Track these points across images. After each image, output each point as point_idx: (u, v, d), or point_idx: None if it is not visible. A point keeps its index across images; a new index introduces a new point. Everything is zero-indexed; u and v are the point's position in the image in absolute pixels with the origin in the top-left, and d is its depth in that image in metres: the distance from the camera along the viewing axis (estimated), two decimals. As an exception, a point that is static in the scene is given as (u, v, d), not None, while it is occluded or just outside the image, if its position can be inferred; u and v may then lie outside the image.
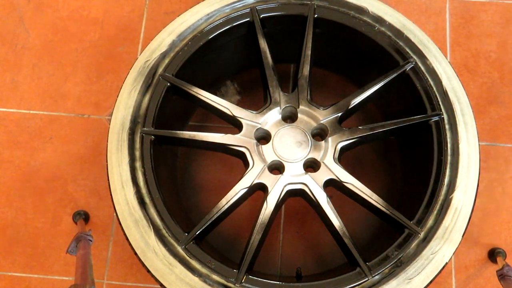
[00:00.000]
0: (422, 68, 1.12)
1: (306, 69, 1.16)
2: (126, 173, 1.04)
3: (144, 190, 1.03)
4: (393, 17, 1.15)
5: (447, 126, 1.07)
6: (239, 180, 1.09)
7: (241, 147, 1.13)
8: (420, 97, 1.10)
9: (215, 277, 0.98)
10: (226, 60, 1.35)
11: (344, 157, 1.18)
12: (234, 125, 1.17)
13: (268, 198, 1.08)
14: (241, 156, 1.14)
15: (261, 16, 1.16)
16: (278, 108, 1.16)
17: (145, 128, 1.08)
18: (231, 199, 1.07)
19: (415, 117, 1.10)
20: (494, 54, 1.52)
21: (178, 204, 1.34)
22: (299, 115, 1.16)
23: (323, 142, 1.14)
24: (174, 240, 1.00)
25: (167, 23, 1.16)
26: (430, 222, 1.01)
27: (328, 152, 1.12)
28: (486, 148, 1.43)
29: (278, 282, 0.99)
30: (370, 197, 1.06)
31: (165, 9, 1.58)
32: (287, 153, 1.13)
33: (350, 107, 1.14)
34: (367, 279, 0.98)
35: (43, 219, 1.42)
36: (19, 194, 1.44)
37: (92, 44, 1.56)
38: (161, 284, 0.97)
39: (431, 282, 0.97)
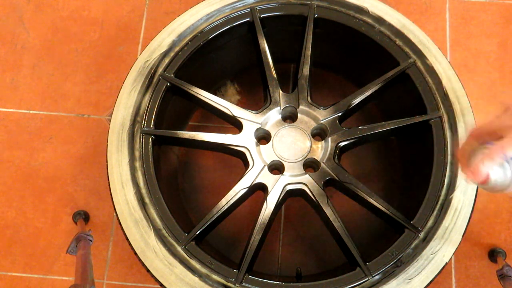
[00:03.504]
0: (422, 68, 1.12)
1: (306, 69, 1.16)
2: (126, 173, 1.04)
3: (144, 190, 1.03)
4: (393, 17, 1.15)
5: (447, 126, 1.07)
6: (239, 180, 1.09)
7: (241, 147, 1.13)
8: (420, 97, 1.10)
9: (215, 277, 0.98)
10: (226, 60, 1.35)
11: (344, 157, 1.18)
12: (234, 125, 1.17)
13: (268, 198, 1.08)
14: (241, 156, 1.14)
15: (261, 16, 1.16)
16: (278, 108, 1.16)
17: (145, 128, 1.08)
18: (231, 199, 1.07)
19: (415, 117, 1.10)
20: (494, 54, 1.52)
21: (178, 204, 1.34)
22: (299, 115, 1.16)
23: (323, 142, 1.14)
24: (174, 240, 1.00)
25: (167, 23, 1.16)
26: (430, 222, 1.01)
27: (328, 152, 1.12)
28: (486, 148, 1.43)
29: (278, 282, 0.99)
30: (370, 197, 1.06)
31: (165, 9, 1.58)
32: (287, 153, 1.13)
33: (350, 107, 1.14)
34: (367, 279, 0.98)
35: (43, 219, 1.42)
36: (19, 194, 1.44)
37: (92, 44, 1.56)
38: (161, 284, 0.97)
39: (431, 282, 0.97)
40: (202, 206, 1.40)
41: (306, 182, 1.10)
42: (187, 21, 1.15)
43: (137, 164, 1.05)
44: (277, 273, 1.35)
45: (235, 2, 1.16)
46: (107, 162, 1.06)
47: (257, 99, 1.45)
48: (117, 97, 1.10)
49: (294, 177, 1.11)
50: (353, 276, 0.98)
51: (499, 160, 0.67)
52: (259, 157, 1.12)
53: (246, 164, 1.13)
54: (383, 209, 1.05)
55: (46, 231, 1.41)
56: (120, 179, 1.03)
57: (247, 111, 1.15)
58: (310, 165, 1.14)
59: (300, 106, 1.16)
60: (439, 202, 1.02)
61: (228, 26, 1.16)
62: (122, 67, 1.53)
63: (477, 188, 1.03)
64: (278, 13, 1.17)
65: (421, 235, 1.00)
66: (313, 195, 1.09)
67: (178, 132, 1.12)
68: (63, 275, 1.38)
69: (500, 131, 0.67)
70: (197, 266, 0.98)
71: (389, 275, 0.98)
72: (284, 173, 1.11)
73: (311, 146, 1.13)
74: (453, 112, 1.08)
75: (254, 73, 1.28)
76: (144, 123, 1.08)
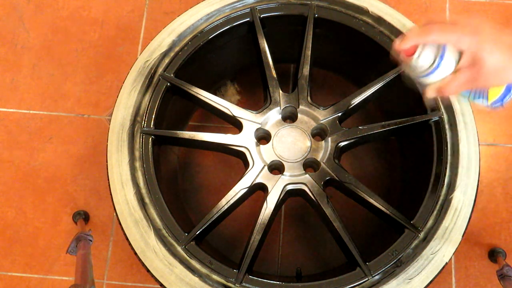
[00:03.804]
0: (422, 68, 1.11)
1: (306, 69, 1.15)
2: (126, 173, 1.04)
3: (144, 190, 1.03)
4: (393, 17, 1.15)
5: (447, 126, 1.07)
6: (239, 180, 1.09)
7: (241, 147, 1.13)
8: (420, 97, 1.10)
9: (215, 277, 0.98)
10: (226, 60, 1.35)
11: (344, 157, 1.18)
12: (234, 125, 1.17)
13: (268, 198, 1.08)
14: (241, 156, 1.14)
15: (261, 16, 1.16)
16: (278, 108, 1.16)
17: (145, 128, 1.08)
18: (231, 199, 1.07)
19: (415, 117, 1.10)
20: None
21: (178, 204, 1.34)
22: (299, 115, 1.16)
23: (323, 142, 1.14)
24: (174, 240, 1.00)
25: (167, 23, 1.16)
26: (430, 222, 1.01)
27: (328, 152, 1.12)
28: (486, 148, 1.44)
29: (278, 282, 0.99)
30: (370, 197, 1.06)
31: (165, 9, 1.58)
32: (287, 153, 1.13)
33: (350, 107, 1.14)
34: (367, 279, 0.98)
35: (43, 219, 1.42)
36: (19, 194, 1.44)
37: (92, 44, 1.56)
38: (161, 284, 0.97)
39: (431, 282, 0.97)
40: (202, 206, 1.40)
41: (306, 182, 1.10)
42: (187, 21, 1.15)
43: (137, 164, 1.05)
44: (277, 273, 1.35)
45: (235, 2, 1.16)
46: (107, 162, 1.06)
47: (257, 99, 1.45)
48: (117, 97, 1.10)
49: (294, 177, 1.11)
50: (353, 276, 0.98)
51: (429, 38, 0.67)
52: (259, 157, 1.12)
53: (246, 164, 1.13)
54: (383, 209, 1.05)
55: (46, 231, 1.41)
56: (120, 179, 1.03)
57: (247, 111, 1.15)
58: (310, 165, 1.14)
59: (300, 106, 1.16)
60: (439, 202, 1.02)
61: (228, 26, 1.16)
62: (122, 67, 1.53)
63: (477, 188, 1.03)
64: (278, 13, 1.17)
65: (421, 235, 1.00)
66: (313, 195, 1.09)
67: (178, 132, 1.12)
68: (63, 275, 1.38)
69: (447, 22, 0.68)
70: (197, 266, 0.98)
71: (389, 275, 0.98)
72: (284, 173, 1.11)
73: (311, 146, 1.13)
74: (453, 112, 1.08)
75: (254, 73, 1.28)
76: (144, 123, 1.08)
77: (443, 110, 1.08)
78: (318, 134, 1.17)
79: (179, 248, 1.00)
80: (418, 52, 0.68)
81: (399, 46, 0.69)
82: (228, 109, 1.14)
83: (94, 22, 1.58)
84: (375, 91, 1.14)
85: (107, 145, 1.07)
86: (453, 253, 0.99)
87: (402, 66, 0.73)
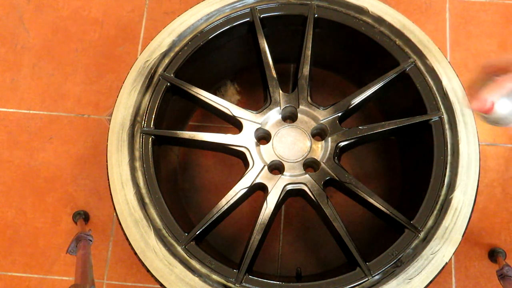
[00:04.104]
0: (422, 68, 1.12)
1: (306, 69, 1.16)
2: (126, 173, 1.04)
3: (144, 190, 1.03)
4: (393, 17, 1.15)
5: (447, 126, 1.07)
6: (239, 180, 1.09)
7: (241, 147, 1.13)
8: (420, 97, 1.10)
9: (215, 277, 0.98)
10: (226, 60, 1.35)
11: (344, 157, 1.18)
12: (234, 125, 1.17)
13: (268, 198, 1.08)
14: (241, 156, 1.14)
15: (261, 16, 1.16)
16: (278, 108, 1.16)
17: (145, 128, 1.08)
18: (231, 199, 1.07)
19: (415, 117, 1.10)
20: (494, 54, 1.52)
21: (178, 204, 1.34)
22: (299, 115, 1.16)
23: (323, 142, 1.14)
24: (174, 240, 1.00)
25: (167, 23, 1.16)
26: (430, 222, 1.01)
27: (328, 152, 1.12)
28: (486, 148, 1.44)
29: (278, 282, 0.99)
30: (370, 197, 1.06)
31: (165, 9, 1.58)
32: (287, 153, 1.13)
33: (350, 107, 1.14)
34: (367, 279, 0.98)
35: (43, 219, 1.42)
36: (19, 194, 1.44)
37: (92, 44, 1.56)
38: (161, 284, 0.97)
39: (431, 282, 0.97)
40: (202, 206, 1.40)
41: (306, 182, 1.10)
42: (187, 21, 1.15)
43: (137, 164, 1.05)
44: (277, 273, 1.35)
45: (235, 2, 1.16)
46: (107, 162, 1.06)
47: (257, 99, 1.45)
48: (117, 97, 1.10)
49: (294, 177, 1.11)
50: (353, 276, 0.98)
51: (505, 91, 0.67)
52: (259, 157, 1.12)
53: (246, 164, 1.13)
54: (383, 209, 1.05)
55: (46, 231, 1.41)
56: (120, 179, 1.03)
57: (247, 111, 1.15)
58: (310, 165, 1.14)
59: (300, 106, 1.16)
60: (439, 202, 1.02)
61: (228, 26, 1.16)
62: (122, 67, 1.53)
63: (477, 188, 1.03)
64: (278, 13, 1.17)
65: (421, 235, 1.00)
66: (313, 195, 1.09)
67: (178, 132, 1.12)
68: (63, 275, 1.38)
69: (509, 66, 0.68)
70: (197, 266, 0.98)
71: (389, 275, 0.98)
72: (284, 173, 1.11)
73: (311, 146, 1.13)
74: (453, 112, 1.08)
75: (254, 73, 1.28)
76: (144, 123, 1.08)
77: (443, 110, 1.08)
78: (318, 134, 1.17)
79: (179, 248, 1.00)
80: (496, 106, 0.69)
81: (476, 106, 0.69)
82: (228, 109, 1.14)
83: (94, 22, 1.58)
84: (375, 91, 1.14)
85: (107, 145, 1.07)
86: (453, 253, 0.99)
87: (482, 120, 0.73)
